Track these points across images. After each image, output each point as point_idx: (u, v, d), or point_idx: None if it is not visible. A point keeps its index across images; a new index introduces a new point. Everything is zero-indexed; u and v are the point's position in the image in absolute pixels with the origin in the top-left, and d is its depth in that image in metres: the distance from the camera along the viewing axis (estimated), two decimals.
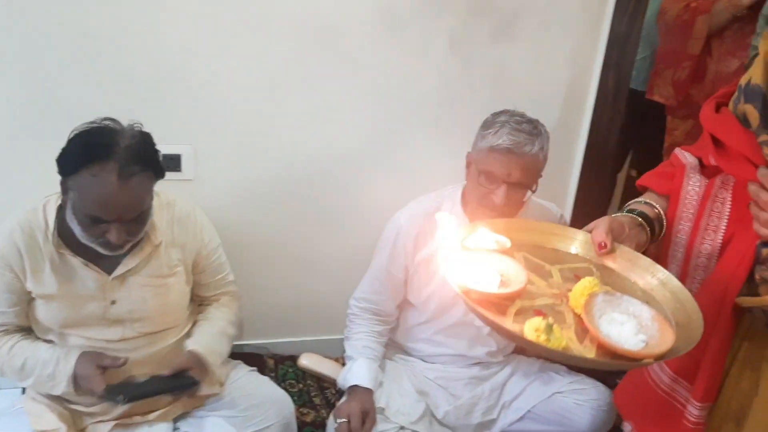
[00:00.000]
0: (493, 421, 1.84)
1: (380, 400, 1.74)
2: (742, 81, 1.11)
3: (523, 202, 1.64)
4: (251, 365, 1.82)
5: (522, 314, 0.93)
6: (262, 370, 2.06)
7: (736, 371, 1.13)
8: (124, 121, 1.42)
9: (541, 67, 2.09)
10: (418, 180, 2.09)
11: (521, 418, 1.82)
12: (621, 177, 3.11)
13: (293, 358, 2.29)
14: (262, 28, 1.86)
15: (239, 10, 1.82)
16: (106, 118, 1.42)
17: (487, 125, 1.62)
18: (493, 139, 1.57)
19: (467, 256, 1.01)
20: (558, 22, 2.05)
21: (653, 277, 1.04)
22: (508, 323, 0.91)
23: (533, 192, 1.63)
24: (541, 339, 0.85)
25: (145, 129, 1.43)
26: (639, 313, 0.93)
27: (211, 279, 1.72)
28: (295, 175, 2.07)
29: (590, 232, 1.09)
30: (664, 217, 1.17)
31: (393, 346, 1.94)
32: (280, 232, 2.14)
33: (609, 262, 1.07)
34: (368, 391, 1.73)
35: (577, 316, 0.94)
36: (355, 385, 1.73)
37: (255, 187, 2.05)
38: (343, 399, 1.76)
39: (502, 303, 0.95)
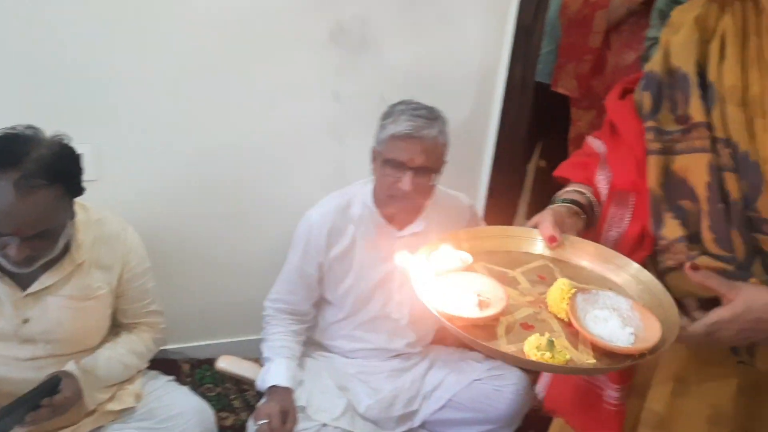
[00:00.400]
0: (414, 412, 1.85)
1: (301, 399, 1.72)
2: (646, 69, 1.16)
3: (430, 187, 1.67)
4: (165, 372, 1.75)
5: (511, 331, 0.93)
6: (178, 376, 2.00)
7: None
8: (50, 131, 1.32)
9: (449, 61, 2.12)
10: (333, 177, 2.07)
11: (442, 407, 1.85)
12: (531, 167, 3.21)
13: (210, 362, 2.22)
14: (166, 21, 1.78)
15: (141, 2, 1.73)
16: (28, 126, 1.31)
17: (386, 116, 1.66)
18: (393, 127, 1.61)
19: (440, 283, 0.99)
20: (463, 16, 2.08)
21: (609, 261, 1.07)
22: (505, 346, 0.90)
23: (438, 174, 1.66)
24: (546, 357, 0.85)
25: (67, 140, 1.34)
26: (618, 305, 0.95)
27: (130, 305, 1.62)
28: (206, 172, 2.00)
29: (535, 227, 1.10)
30: (594, 202, 1.19)
31: (312, 344, 1.92)
32: (191, 232, 2.07)
33: (563, 255, 1.09)
34: (287, 391, 1.70)
35: (561, 321, 0.95)
36: (274, 386, 1.71)
37: (164, 185, 1.98)
38: (263, 400, 1.72)
39: (488, 324, 0.93)
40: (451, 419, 1.86)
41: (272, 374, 1.73)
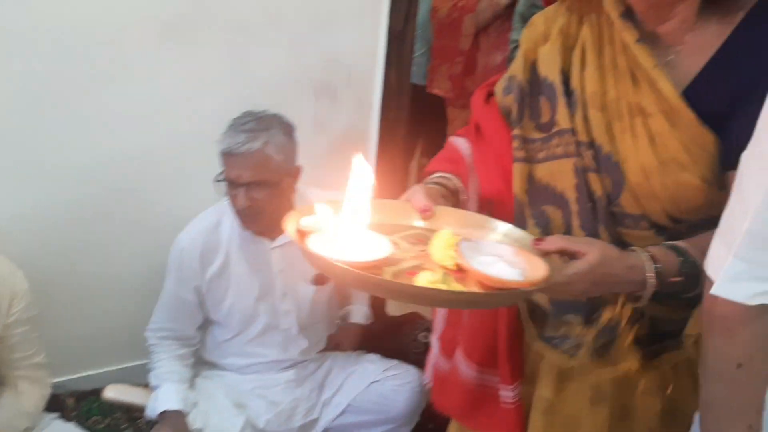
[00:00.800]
0: (315, 421, 1.86)
1: (196, 421, 1.67)
2: (508, 73, 1.22)
3: (279, 197, 1.64)
4: (48, 409, 1.64)
5: (400, 278, 0.89)
6: (62, 412, 1.89)
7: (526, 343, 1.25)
8: None
9: (325, 68, 2.12)
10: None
11: (342, 413, 1.86)
12: (413, 166, 3.29)
13: (96, 392, 2.10)
14: (27, 28, 1.68)
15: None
16: None
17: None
18: (219, 146, 1.60)
19: (324, 237, 0.93)
20: (336, 24, 2.09)
21: (479, 224, 1.05)
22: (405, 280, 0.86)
23: (286, 181, 1.64)
24: (443, 288, 0.83)
25: None
26: (502, 252, 0.94)
27: (9, 355, 1.50)
28: (81, 193, 1.90)
29: (408, 201, 1.09)
30: (461, 189, 1.21)
31: (203, 364, 1.87)
32: (65, 256, 1.96)
33: (438, 225, 1.05)
34: (180, 414, 1.66)
35: (446, 269, 0.91)
36: (165, 411, 1.65)
37: (35, 206, 1.85)
38: (155, 428, 1.66)
39: (372, 272, 0.87)
40: (352, 423, 1.88)
41: (161, 399, 1.68)
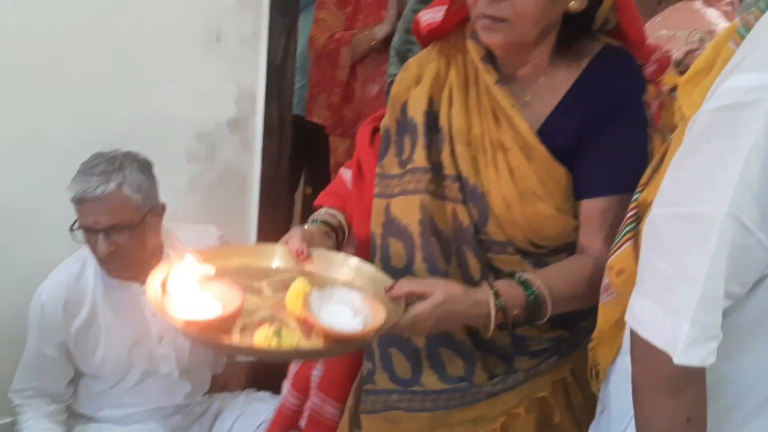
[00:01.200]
0: None
1: None
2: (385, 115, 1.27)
3: (146, 239, 1.59)
4: None
5: (247, 330, 0.95)
6: None
7: None
8: None
9: (205, 106, 2.09)
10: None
11: None
12: (298, 195, 3.30)
13: None
14: None
15: None
16: None
17: None
18: (70, 192, 1.52)
19: (177, 292, 0.98)
20: (214, 60, 2.07)
21: (349, 267, 1.12)
22: (236, 339, 0.93)
23: (150, 220, 1.59)
24: (273, 344, 0.88)
25: None
26: (350, 299, 1.00)
27: None
28: None
29: (286, 244, 1.14)
30: (345, 225, 1.27)
31: (77, 417, 1.76)
32: None
33: (310, 267, 1.12)
34: None
35: (299, 319, 0.97)
36: None
37: None
38: None
39: (224, 327, 0.94)
40: None
41: None
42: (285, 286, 1.04)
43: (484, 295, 1.03)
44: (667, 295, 0.76)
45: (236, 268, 1.11)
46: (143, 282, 1.65)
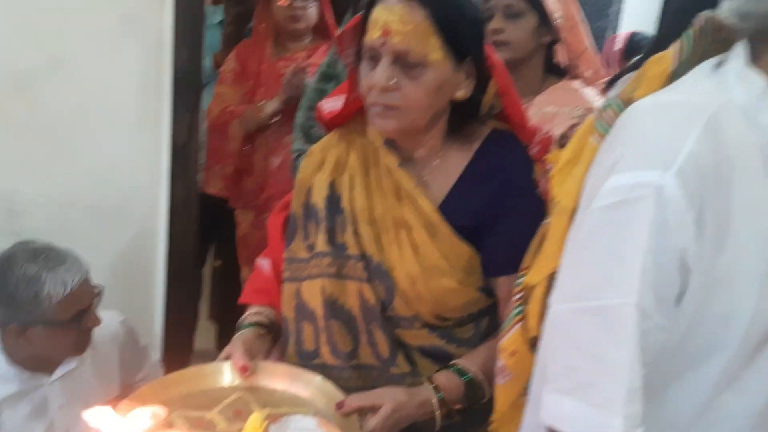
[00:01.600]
0: None
1: None
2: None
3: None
4: None
5: None
6: None
7: None
8: None
9: (105, 187, 2.07)
10: None
11: None
12: (207, 270, 3.23)
13: None
14: None
15: None
16: None
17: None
18: (45, 290, 1.48)
19: None
20: (114, 141, 2.06)
21: (295, 380, 1.14)
22: None
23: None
24: None
25: None
26: (306, 426, 1.01)
27: None
28: None
29: (228, 359, 1.15)
30: (276, 320, 1.29)
31: None
32: None
33: (256, 382, 1.14)
34: None
35: None
36: None
37: None
38: None
39: None
40: None
41: None
42: (237, 412, 1.05)
43: (427, 393, 1.11)
44: (591, 391, 0.75)
45: (182, 397, 1.11)
46: (51, 371, 1.58)
